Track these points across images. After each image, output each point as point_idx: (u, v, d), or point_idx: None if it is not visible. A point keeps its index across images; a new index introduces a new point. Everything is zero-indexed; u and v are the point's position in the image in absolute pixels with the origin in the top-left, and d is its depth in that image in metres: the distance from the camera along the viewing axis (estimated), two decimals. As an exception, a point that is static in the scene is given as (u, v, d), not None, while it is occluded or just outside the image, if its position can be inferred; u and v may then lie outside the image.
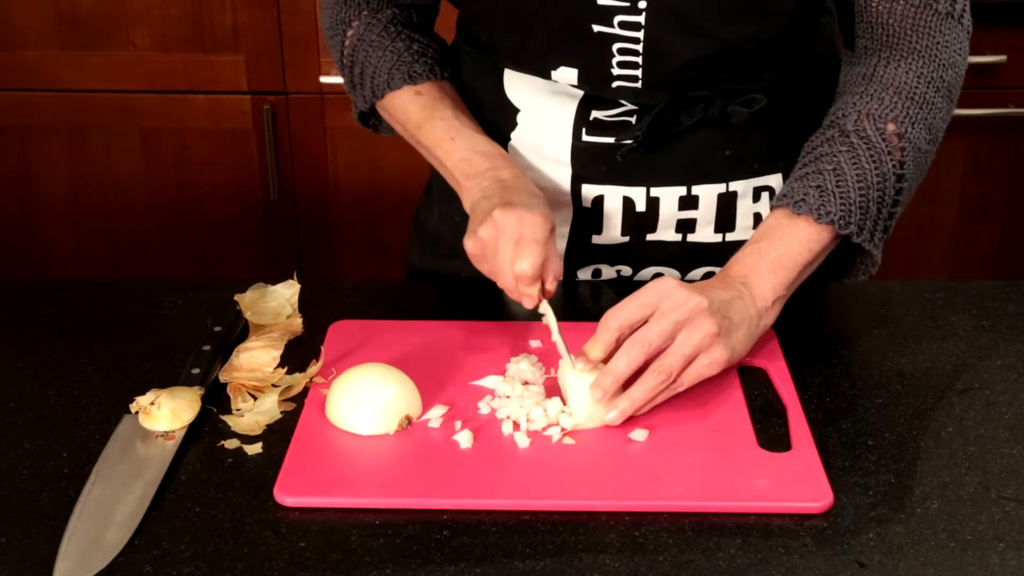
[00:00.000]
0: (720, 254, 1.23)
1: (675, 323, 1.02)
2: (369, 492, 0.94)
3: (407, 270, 1.45)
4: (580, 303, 1.25)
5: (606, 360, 1.03)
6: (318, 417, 1.03)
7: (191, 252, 2.41)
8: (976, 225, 2.40)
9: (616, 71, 1.17)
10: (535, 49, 1.20)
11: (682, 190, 1.24)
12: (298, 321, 1.18)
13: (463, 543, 0.89)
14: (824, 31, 1.26)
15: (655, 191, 1.24)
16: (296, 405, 1.05)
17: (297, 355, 1.13)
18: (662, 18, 1.13)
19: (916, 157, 1.16)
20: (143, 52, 2.27)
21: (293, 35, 2.25)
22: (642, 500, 0.93)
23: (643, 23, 1.14)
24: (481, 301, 1.22)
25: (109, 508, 0.92)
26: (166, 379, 1.07)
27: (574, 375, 1.03)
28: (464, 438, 0.99)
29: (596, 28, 1.15)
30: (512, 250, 1.08)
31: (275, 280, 1.21)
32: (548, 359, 1.11)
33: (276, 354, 1.12)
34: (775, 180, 1.26)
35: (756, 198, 1.26)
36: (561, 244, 1.27)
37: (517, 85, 1.25)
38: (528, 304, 1.10)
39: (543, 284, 1.09)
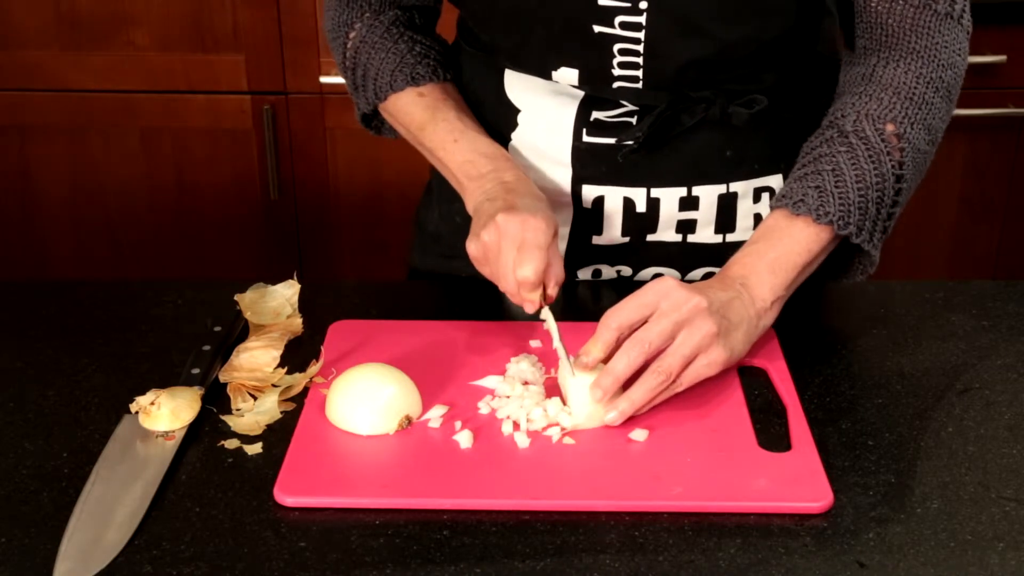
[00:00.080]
0: (720, 255, 1.23)
1: (675, 323, 1.02)
2: (369, 492, 0.94)
3: (407, 270, 1.45)
4: (580, 303, 1.25)
5: (606, 360, 1.03)
6: (318, 417, 1.03)
7: (191, 252, 2.41)
8: (976, 225, 2.40)
9: (617, 71, 1.17)
10: (535, 49, 1.20)
11: (682, 191, 1.24)
12: (298, 321, 1.18)
13: (463, 543, 0.89)
14: (825, 31, 1.26)
15: (655, 192, 1.24)
16: (296, 405, 1.05)
17: (297, 355, 1.13)
18: (663, 19, 1.13)
19: (915, 157, 1.16)
20: (143, 52, 2.27)
21: (293, 35, 2.25)
22: (642, 500, 0.93)
23: (644, 24, 1.14)
24: (481, 301, 1.22)
25: (109, 508, 0.92)
26: (166, 379, 1.07)
27: (574, 375, 1.04)
28: (464, 438, 0.99)
29: (597, 29, 1.15)
30: (515, 255, 1.08)
31: (275, 280, 1.21)
32: (548, 359, 1.11)
33: (276, 354, 1.12)
34: (775, 181, 1.26)
35: (756, 199, 1.27)
36: (561, 245, 1.27)
37: (517, 85, 1.25)
38: (529, 309, 1.10)
39: (545, 289, 1.09)
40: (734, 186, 1.25)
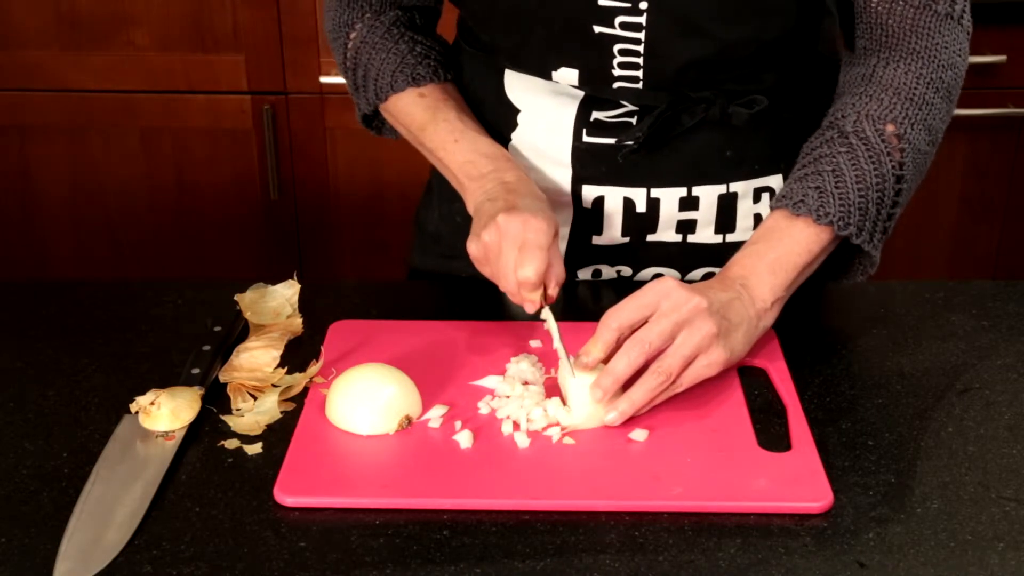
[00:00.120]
0: (720, 255, 1.23)
1: (675, 324, 1.02)
2: (369, 492, 0.94)
3: (407, 270, 1.45)
4: (580, 303, 1.25)
5: (606, 360, 1.03)
6: (318, 417, 1.03)
7: (191, 252, 2.41)
8: (976, 225, 2.40)
9: (617, 72, 1.17)
10: (535, 50, 1.20)
11: (682, 191, 1.24)
12: (298, 321, 1.18)
13: (463, 543, 0.89)
14: (825, 32, 1.26)
15: (655, 192, 1.24)
16: (296, 405, 1.05)
17: (297, 355, 1.13)
18: (663, 19, 1.13)
19: (915, 158, 1.16)
20: (143, 52, 2.27)
21: (293, 35, 2.25)
22: (642, 500, 0.93)
23: (644, 24, 1.14)
24: (481, 301, 1.22)
25: (109, 508, 0.92)
26: (166, 379, 1.07)
27: (574, 375, 1.04)
28: (464, 438, 0.99)
29: (597, 29, 1.15)
30: (515, 255, 1.08)
31: (275, 280, 1.21)
32: (548, 359, 1.11)
33: (276, 354, 1.12)
34: (776, 181, 1.26)
35: (756, 199, 1.27)
36: (561, 245, 1.27)
37: (518, 85, 1.25)
38: (530, 309, 1.09)
39: (545, 289, 1.09)
40: (734, 186, 1.25)
